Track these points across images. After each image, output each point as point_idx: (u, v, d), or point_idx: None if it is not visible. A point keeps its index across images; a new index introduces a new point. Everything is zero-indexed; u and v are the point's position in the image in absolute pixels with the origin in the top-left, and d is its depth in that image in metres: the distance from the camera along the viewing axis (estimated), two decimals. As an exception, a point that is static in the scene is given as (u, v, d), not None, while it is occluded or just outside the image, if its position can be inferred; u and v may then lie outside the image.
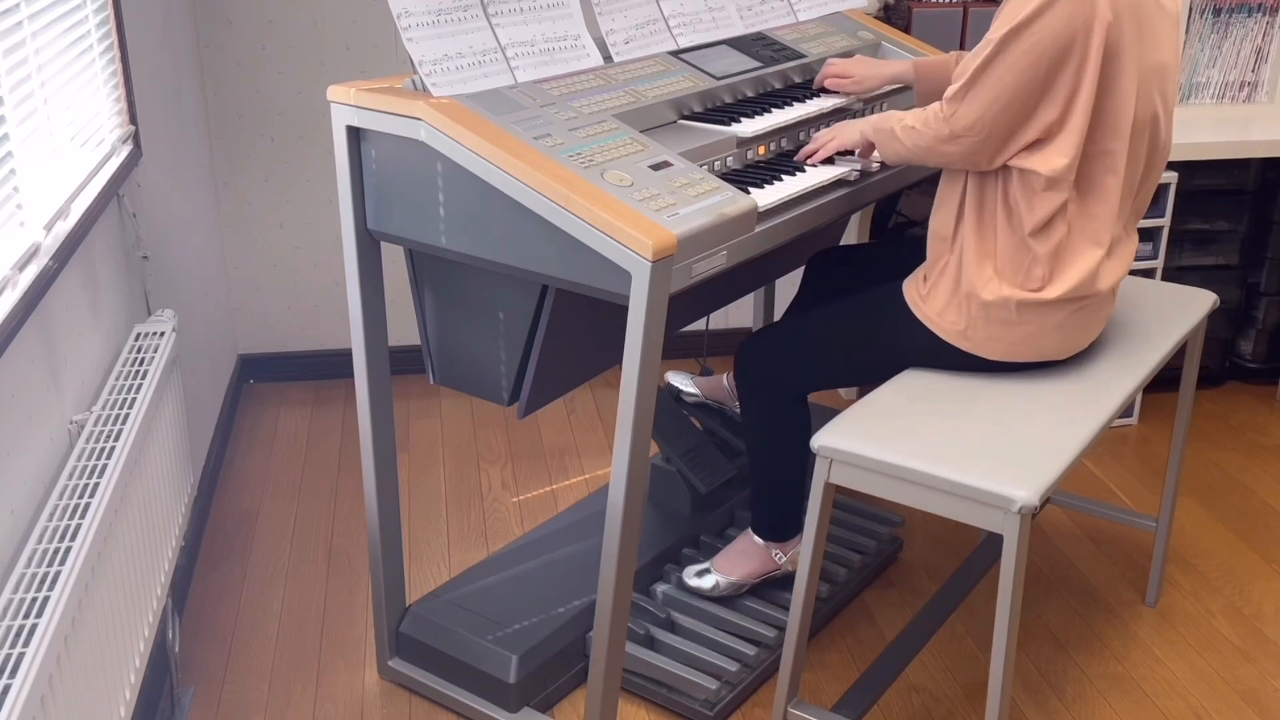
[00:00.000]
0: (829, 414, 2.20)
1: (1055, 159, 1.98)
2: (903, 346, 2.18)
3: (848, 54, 2.70)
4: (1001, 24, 1.97)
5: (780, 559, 2.44)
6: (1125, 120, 2.00)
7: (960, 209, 2.10)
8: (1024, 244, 2.04)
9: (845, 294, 2.34)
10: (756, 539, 2.45)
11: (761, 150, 2.26)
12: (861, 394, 2.40)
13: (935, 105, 2.07)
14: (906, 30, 3.29)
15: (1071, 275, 2.05)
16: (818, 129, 2.40)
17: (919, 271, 2.19)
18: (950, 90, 2.03)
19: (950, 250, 2.12)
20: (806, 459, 2.11)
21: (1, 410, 1.70)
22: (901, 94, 2.64)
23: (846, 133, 2.22)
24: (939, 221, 2.14)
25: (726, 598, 2.46)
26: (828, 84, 2.48)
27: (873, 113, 2.55)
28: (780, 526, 2.41)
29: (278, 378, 3.72)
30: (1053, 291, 2.05)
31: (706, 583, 2.47)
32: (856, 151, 2.24)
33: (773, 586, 2.50)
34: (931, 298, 2.13)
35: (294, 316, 3.68)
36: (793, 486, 2.35)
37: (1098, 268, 2.07)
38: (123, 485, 1.87)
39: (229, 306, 3.60)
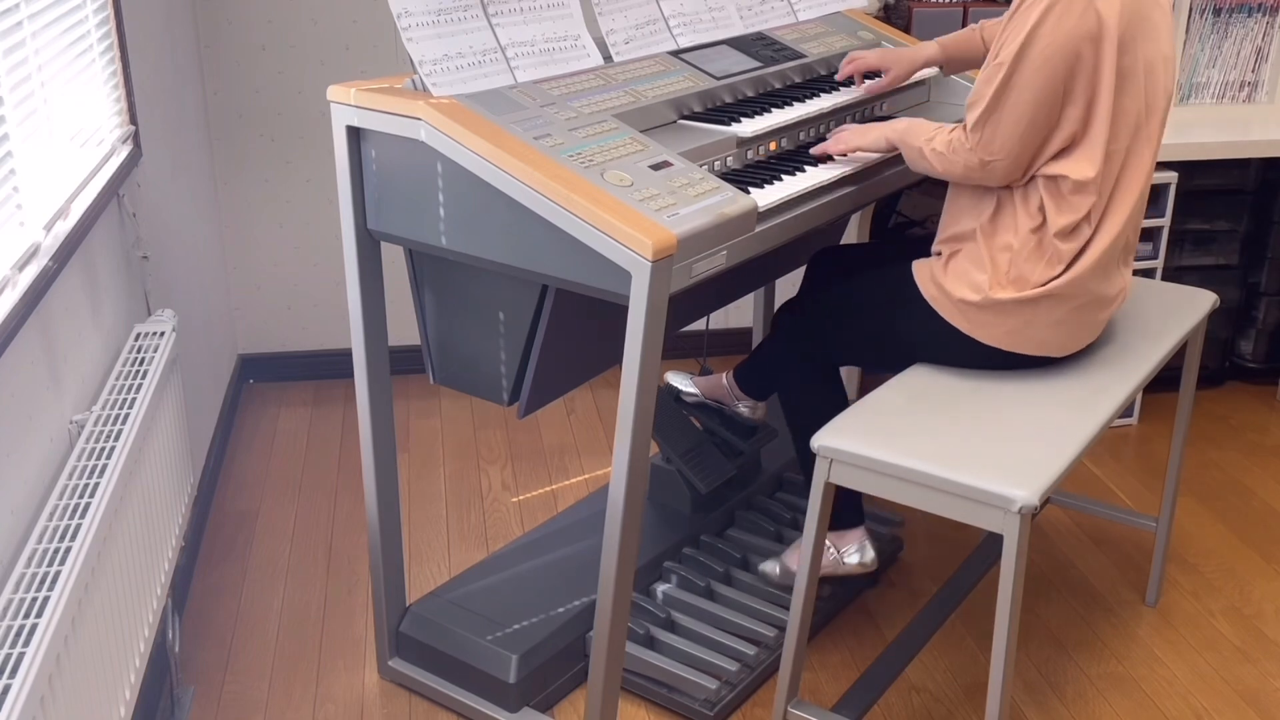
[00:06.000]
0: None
1: (1084, 167, 2.00)
2: (904, 325, 2.19)
3: (848, 54, 2.70)
4: (1009, 45, 1.98)
5: (831, 554, 2.38)
6: (1138, 116, 2.02)
7: (977, 212, 2.11)
8: (1043, 245, 2.05)
9: None
10: None
11: (761, 150, 2.26)
12: (862, 393, 2.40)
13: (958, 131, 2.08)
14: (906, 30, 3.29)
15: (1079, 271, 2.06)
16: (818, 128, 2.40)
17: (930, 257, 2.21)
18: (971, 118, 2.05)
19: (962, 247, 2.14)
20: None
21: (1, 410, 1.70)
22: (908, 90, 2.64)
23: (869, 137, 2.22)
24: (956, 226, 2.15)
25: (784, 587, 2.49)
26: (865, 86, 2.46)
27: (876, 113, 2.56)
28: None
29: (278, 378, 3.72)
30: (1057, 285, 2.05)
31: (769, 568, 2.51)
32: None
33: (779, 587, 2.51)
34: (940, 277, 2.14)
35: (294, 316, 3.68)
36: None
37: (1107, 265, 2.08)
38: (123, 485, 1.87)
39: (229, 306, 3.60)
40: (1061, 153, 2.02)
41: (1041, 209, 2.05)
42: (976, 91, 2.05)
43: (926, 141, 2.12)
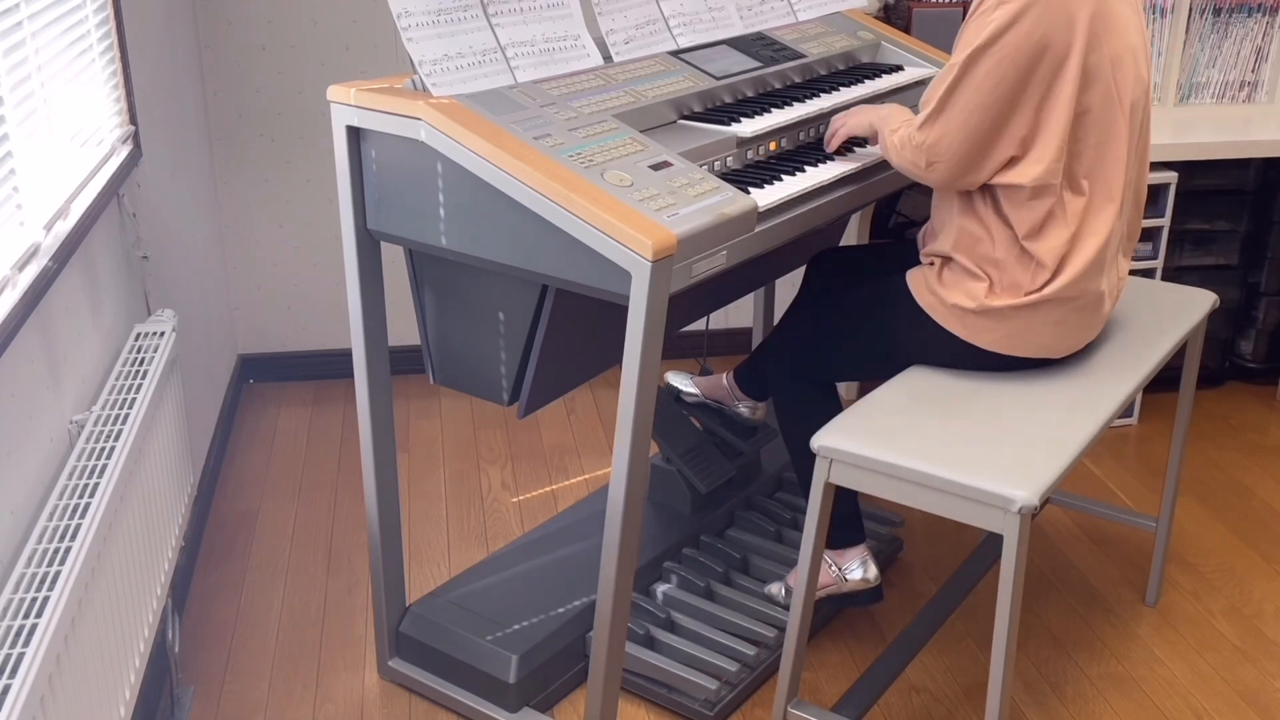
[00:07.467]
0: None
1: (1032, 168, 2.00)
2: (904, 334, 2.19)
3: (848, 54, 2.71)
4: (963, 47, 1.99)
5: (833, 571, 2.35)
6: (1107, 111, 2.01)
7: (954, 225, 2.11)
8: (1024, 251, 2.05)
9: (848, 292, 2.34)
10: None
11: (761, 150, 2.26)
12: (862, 394, 2.40)
13: (911, 128, 2.08)
14: (906, 30, 3.29)
15: (1074, 273, 2.05)
16: (818, 128, 2.40)
17: (923, 265, 2.21)
18: (920, 117, 2.05)
19: (949, 260, 2.13)
20: None
21: (1, 410, 1.70)
22: (908, 91, 2.64)
23: (856, 119, 2.23)
24: (939, 239, 2.15)
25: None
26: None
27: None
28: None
29: (278, 378, 3.72)
30: (1054, 289, 2.05)
31: (774, 590, 2.48)
32: (869, 140, 2.26)
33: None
34: (934, 285, 2.14)
35: (294, 316, 3.68)
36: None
37: (1101, 264, 2.07)
38: (123, 485, 1.87)
39: (229, 306, 3.60)
40: (1011, 162, 2.01)
41: (1010, 222, 2.04)
42: (929, 91, 2.05)
43: (892, 131, 2.12)
